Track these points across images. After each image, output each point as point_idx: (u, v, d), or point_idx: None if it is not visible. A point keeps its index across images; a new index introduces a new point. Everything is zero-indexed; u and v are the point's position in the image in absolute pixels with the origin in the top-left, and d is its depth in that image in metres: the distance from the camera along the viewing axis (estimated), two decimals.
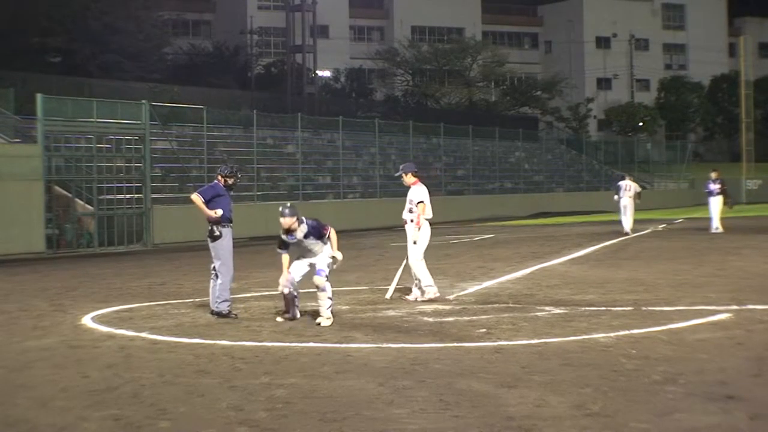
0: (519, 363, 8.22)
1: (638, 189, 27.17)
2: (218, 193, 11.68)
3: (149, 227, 27.43)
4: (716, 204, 26.64)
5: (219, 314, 11.37)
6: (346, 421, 6.41)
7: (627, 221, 26.52)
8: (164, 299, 13.62)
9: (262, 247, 25.40)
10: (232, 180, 11.90)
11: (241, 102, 44.41)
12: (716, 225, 26.42)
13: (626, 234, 26.03)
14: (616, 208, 27.60)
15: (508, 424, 6.25)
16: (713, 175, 27.01)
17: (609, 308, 11.51)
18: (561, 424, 6.24)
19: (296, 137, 38.14)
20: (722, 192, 26.67)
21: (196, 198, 11.62)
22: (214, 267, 11.62)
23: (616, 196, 26.80)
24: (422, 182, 13.05)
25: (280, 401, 7.01)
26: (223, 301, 11.45)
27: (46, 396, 7.43)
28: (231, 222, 11.71)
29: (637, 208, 27.50)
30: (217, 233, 11.50)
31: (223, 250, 11.52)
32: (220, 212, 11.47)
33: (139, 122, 27.75)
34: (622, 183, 27.02)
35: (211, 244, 11.60)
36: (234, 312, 11.53)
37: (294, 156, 38.17)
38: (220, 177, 11.87)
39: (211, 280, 11.63)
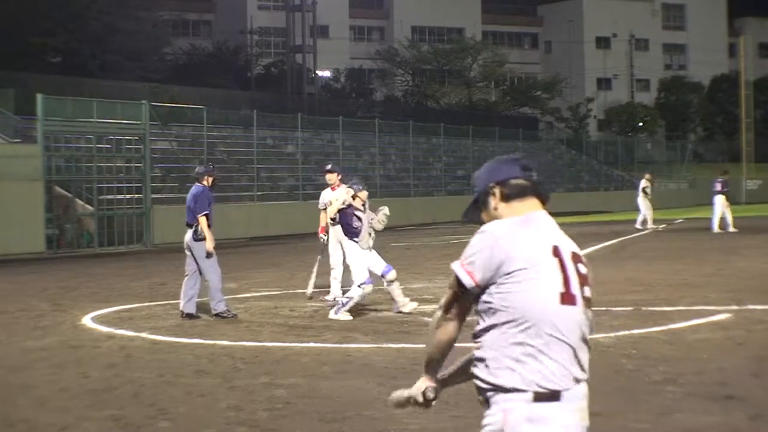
0: None
1: (645, 185, 29.35)
2: (210, 200, 11.61)
3: (149, 227, 27.40)
4: (718, 203, 26.41)
5: (218, 315, 11.37)
6: (346, 421, 6.41)
7: (648, 216, 28.85)
8: (164, 299, 13.61)
9: (263, 248, 25.41)
10: (214, 178, 11.88)
11: (241, 102, 44.34)
12: (715, 227, 26.33)
13: (637, 228, 28.06)
14: (635, 207, 30.04)
15: None
16: (725, 176, 27.86)
17: (609, 308, 11.50)
18: None
19: (296, 137, 38.09)
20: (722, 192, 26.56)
21: (204, 223, 11.41)
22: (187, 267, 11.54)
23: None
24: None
25: (280, 401, 7.00)
26: (219, 301, 11.42)
27: (46, 396, 7.42)
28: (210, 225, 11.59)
29: (637, 208, 29.60)
30: (202, 235, 11.42)
31: (202, 251, 11.41)
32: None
33: (139, 122, 27.73)
34: (639, 185, 29.50)
35: (193, 244, 11.47)
36: (233, 312, 11.52)
37: (294, 156, 38.12)
38: (208, 178, 11.73)
39: (186, 279, 11.52)
